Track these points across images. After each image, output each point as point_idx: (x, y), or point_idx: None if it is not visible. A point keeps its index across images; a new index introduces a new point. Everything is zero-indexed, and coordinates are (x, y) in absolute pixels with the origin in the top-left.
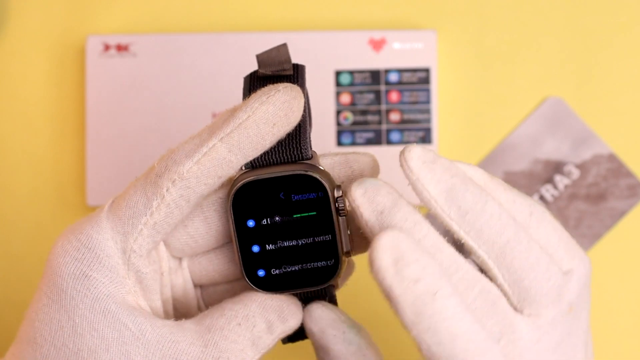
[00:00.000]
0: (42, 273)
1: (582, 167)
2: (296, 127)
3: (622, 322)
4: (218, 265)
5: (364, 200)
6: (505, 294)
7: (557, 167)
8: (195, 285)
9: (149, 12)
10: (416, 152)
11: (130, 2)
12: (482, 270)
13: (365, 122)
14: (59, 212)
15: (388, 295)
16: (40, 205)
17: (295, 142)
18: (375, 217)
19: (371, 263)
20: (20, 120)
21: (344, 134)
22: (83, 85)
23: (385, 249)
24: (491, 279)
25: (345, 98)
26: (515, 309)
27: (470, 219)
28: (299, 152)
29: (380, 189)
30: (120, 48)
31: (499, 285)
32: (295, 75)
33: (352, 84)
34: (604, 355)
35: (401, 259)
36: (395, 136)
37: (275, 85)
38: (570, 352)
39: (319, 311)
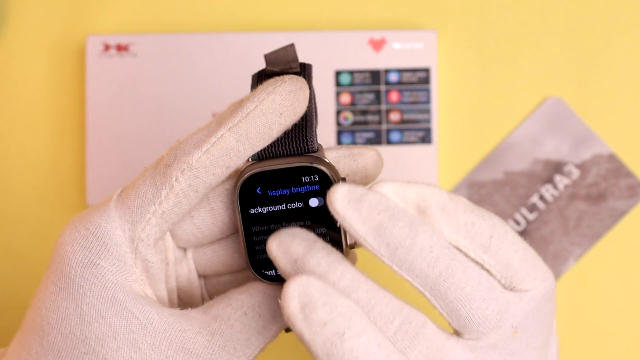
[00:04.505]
0: (43, 271)
1: (582, 167)
2: (302, 120)
3: (622, 322)
4: (222, 256)
5: (279, 252)
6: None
7: (557, 167)
8: (199, 276)
9: (149, 12)
10: (340, 194)
11: (130, 2)
12: None
13: (365, 122)
14: (59, 211)
15: (301, 341)
16: (40, 205)
17: (301, 135)
18: (291, 267)
19: (282, 310)
20: (20, 120)
21: (344, 134)
22: (83, 85)
23: (292, 296)
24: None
25: (345, 98)
26: (456, 333)
27: (400, 254)
28: (305, 145)
29: (295, 239)
30: (120, 48)
31: (440, 313)
32: (302, 73)
33: (352, 84)
34: (604, 356)
35: (308, 304)
36: (395, 136)
37: (281, 77)
38: None
39: None
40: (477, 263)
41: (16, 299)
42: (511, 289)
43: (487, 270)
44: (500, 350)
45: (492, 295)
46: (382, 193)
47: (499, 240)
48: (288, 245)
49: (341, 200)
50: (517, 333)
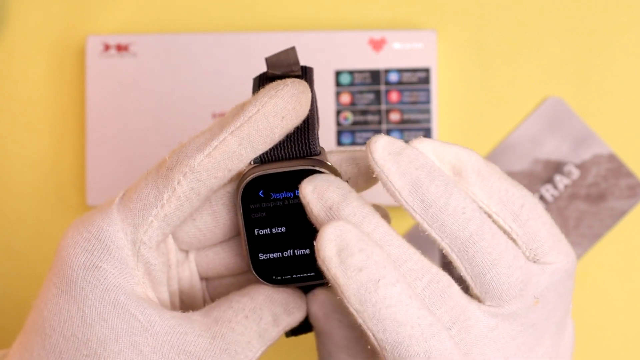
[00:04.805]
0: (43, 272)
1: (582, 167)
2: (304, 123)
3: (622, 322)
4: (224, 258)
5: (314, 197)
6: (468, 285)
7: (557, 167)
8: (201, 278)
9: (149, 12)
10: (381, 144)
11: (130, 2)
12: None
13: (365, 122)
14: (59, 212)
15: (334, 285)
16: (40, 205)
17: (303, 138)
18: (325, 213)
19: (317, 253)
20: (20, 120)
21: (344, 134)
22: (83, 85)
23: (329, 239)
24: (456, 269)
25: (345, 98)
26: (478, 299)
27: (434, 212)
28: (307, 148)
29: (330, 185)
30: (120, 48)
31: (462, 277)
32: (303, 76)
33: (352, 84)
34: (604, 355)
35: (345, 248)
36: (395, 136)
37: (283, 80)
38: (531, 342)
39: (324, 296)
40: (504, 231)
41: (16, 299)
42: (534, 261)
43: (513, 240)
44: (522, 319)
45: (517, 263)
46: (420, 150)
47: (529, 210)
48: (323, 190)
49: (381, 151)
50: (539, 303)
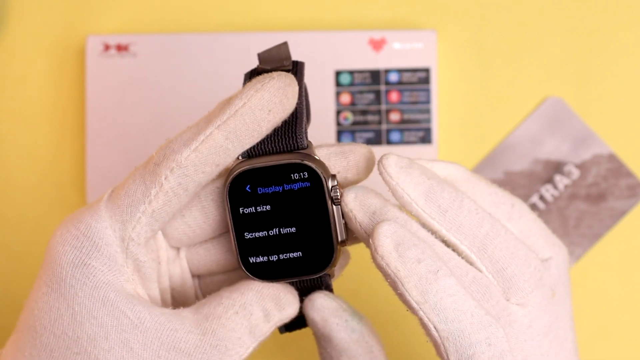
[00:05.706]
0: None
1: (582, 167)
2: (292, 117)
3: (622, 322)
4: (215, 255)
5: (356, 204)
6: None
7: (557, 167)
8: (193, 275)
9: (149, 12)
10: (393, 159)
11: (130, 2)
12: None
13: (365, 122)
14: (59, 211)
15: (394, 279)
16: (40, 204)
17: (290, 132)
18: (368, 218)
19: (375, 250)
20: (20, 120)
21: (344, 134)
22: (83, 85)
23: (386, 235)
24: None
25: (345, 98)
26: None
27: (451, 216)
28: (294, 142)
29: (369, 193)
30: (120, 48)
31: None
32: (294, 70)
33: (352, 84)
34: (604, 355)
35: (401, 243)
36: (395, 136)
37: (270, 73)
38: (561, 335)
39: (321, 300)
40: None
41: (16, 299)
42: None
43: None
44: (548, 313)
45: (531, 254)
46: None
47: (520, 209)
48: (364, 197)
49: (394, 166)
50: (556, 295)
